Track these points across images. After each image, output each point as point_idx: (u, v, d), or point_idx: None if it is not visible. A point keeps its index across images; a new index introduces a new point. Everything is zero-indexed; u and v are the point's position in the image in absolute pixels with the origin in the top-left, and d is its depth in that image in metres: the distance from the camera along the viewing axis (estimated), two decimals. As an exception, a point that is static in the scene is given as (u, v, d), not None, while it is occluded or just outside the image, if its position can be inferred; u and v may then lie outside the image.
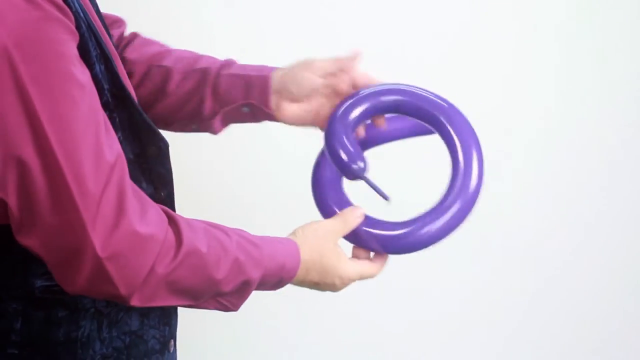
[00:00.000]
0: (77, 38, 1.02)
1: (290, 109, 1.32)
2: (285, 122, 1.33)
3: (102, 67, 1.09)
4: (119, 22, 1.43)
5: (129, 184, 1.03)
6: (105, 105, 1.07)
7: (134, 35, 1.42)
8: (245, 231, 1.17)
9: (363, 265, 1.27)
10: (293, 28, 2.07)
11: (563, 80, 2.16)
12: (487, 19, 2.12)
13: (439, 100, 1.30)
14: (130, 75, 1.34)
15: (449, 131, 1.29)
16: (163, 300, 1.07)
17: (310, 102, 1.32)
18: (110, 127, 1.05)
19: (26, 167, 0.98)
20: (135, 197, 1.04)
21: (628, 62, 2.17)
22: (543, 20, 2.14)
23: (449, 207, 1.26)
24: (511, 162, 2.15)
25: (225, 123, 1.37)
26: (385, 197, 1.28)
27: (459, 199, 1.26)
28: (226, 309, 1.17)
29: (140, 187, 1.13)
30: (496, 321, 2.22)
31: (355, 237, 1.29)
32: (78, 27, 1.02)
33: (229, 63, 1.35)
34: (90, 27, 1.07)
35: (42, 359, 1.10)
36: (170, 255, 1.05)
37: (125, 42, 1.40)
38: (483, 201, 1.32)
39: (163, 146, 1.18)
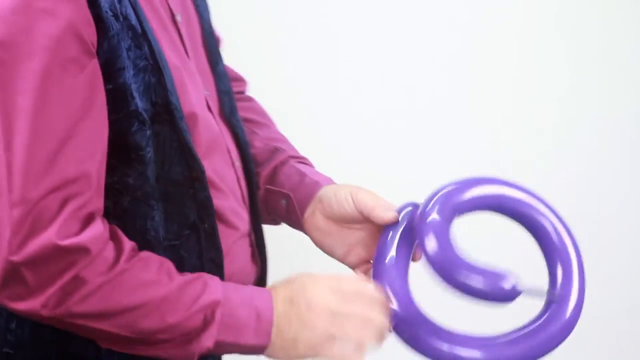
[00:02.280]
0: (92, 37, 0.97)
1: (322, 222, 1.22)
2: (312, 235, 1.23)
3: (149, 76, 1.03)
4: (239, 80, 1.41)
5: (87, 210, 0.98)
6: (133, 115, 1.03)
7: (250, 99, 1.41)
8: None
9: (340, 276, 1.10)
10: (300, 29, 2.09)
11: (574, 80, 2.16)
12: (496, 19, 2.12)
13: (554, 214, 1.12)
14: None
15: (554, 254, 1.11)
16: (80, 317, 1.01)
17: (345, 230, 1.21)
18: (100, 145, 1.00)
19: None
20: (86, 225, 0.98)
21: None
22: (554, 19, 2.14)
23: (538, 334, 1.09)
24: (523, 164, 2.14)
25: (264, 207, 1.29)
26: (553, 297, 1.09)
27: (551, 326, 1.09)
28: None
29: (182, 212, 1.09)
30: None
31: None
32: (107, 28, 0.98)
33: (304, 160, 1.32)
34: (145, 34, 1.02)
35: (37, 358, 1.10)
36: (99, 270, 1.00)
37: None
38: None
39: (200, 173, 1.10)
